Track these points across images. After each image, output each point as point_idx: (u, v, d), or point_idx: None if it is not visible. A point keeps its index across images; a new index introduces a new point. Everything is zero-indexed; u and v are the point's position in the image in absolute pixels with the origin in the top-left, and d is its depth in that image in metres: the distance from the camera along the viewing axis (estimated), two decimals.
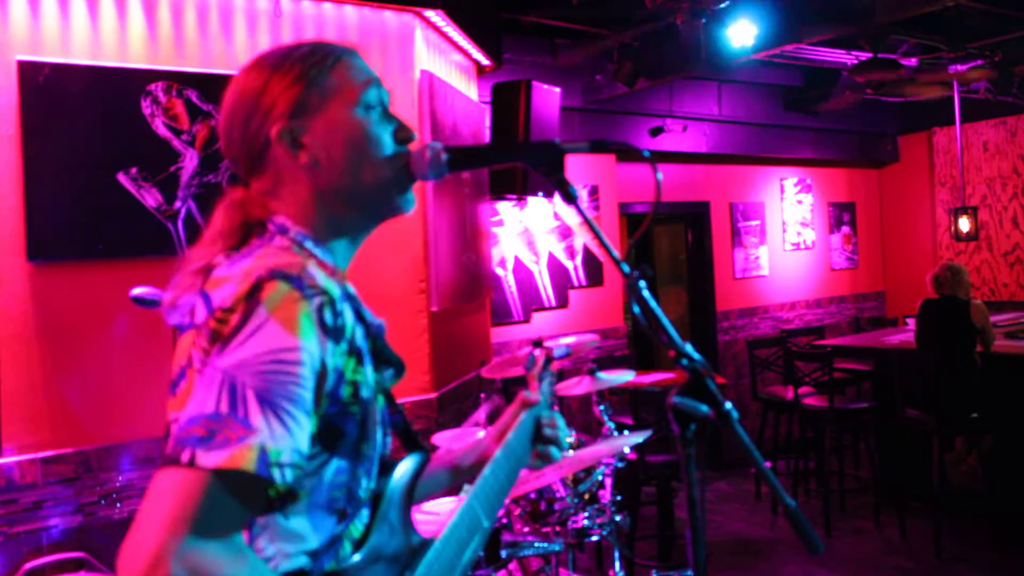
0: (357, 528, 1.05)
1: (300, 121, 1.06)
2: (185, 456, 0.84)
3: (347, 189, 1.07)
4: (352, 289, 1.09)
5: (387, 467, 1.12)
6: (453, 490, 1.39)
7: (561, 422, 1.43)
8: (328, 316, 0.94)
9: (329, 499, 0.99)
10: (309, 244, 1.06)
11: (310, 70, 1.07)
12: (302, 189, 1.07)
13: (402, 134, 1.12)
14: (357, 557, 1.03)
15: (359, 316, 1.05)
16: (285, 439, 0.87)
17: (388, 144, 1.10)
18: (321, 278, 0.97)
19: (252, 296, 0.90)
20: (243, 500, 0.85)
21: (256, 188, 1.09)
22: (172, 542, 0.80)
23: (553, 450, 1.38)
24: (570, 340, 3.16)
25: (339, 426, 0.98)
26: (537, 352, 1.50)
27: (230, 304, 0.91)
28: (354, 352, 1.00)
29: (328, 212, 1.08)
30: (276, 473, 0.86)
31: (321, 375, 0.93)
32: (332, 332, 0.95)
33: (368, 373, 1.03)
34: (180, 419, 0.88)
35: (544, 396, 1.45)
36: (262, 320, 0.89)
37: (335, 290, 0.98)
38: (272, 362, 0.88)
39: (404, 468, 1.14)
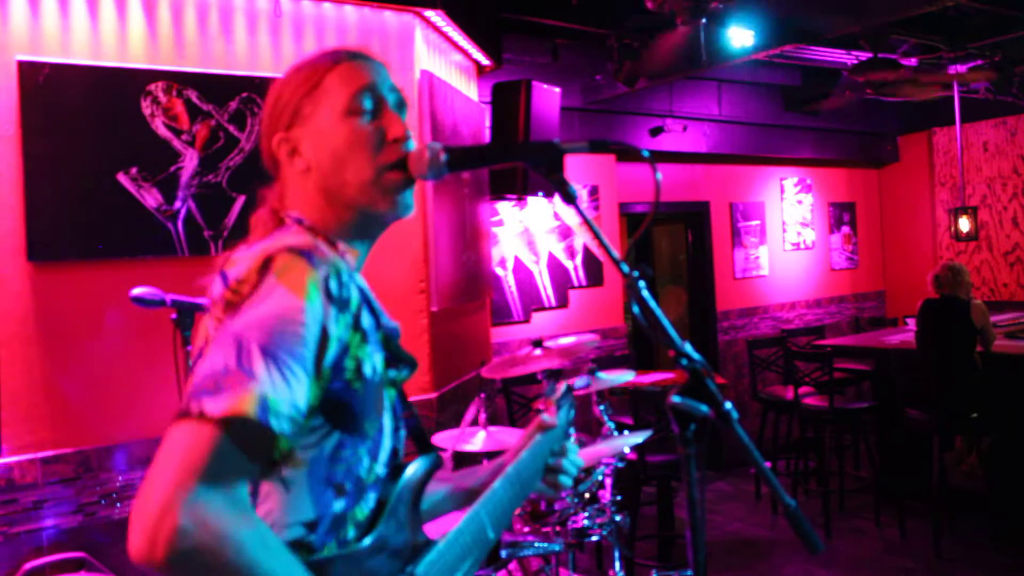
0: (362, 511, 1.08)
1: (297, 130, 1.15)
2: (195, 408, 0.88)
3: (336, 193, 1.14)
4: (368, 290, 1.15)
5: (399, 468, 1.15)
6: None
7: (573, 452, 1.45)
8: (333, 285, 1.00)
9: (329, 473, 1.03)
10: (322, 233, 1.13)
11: (307, 80, 1.15)
12: (308, 191, 1.15)
13: (389, 135, 1.14)
14: (365, 542, 1.06)
15: (371, 309, 1.11)
16: (284, 391, 0.91)
17: (374, 148, 1.13)
18: (331, 254, 1.04)
19: (264, 268, 0.97)
20: (247, 449, 0.88)
21: (276, 189, 1.19)
22: (181, 492, 0.83)
23: (562, 478, 1.43)
24: (570, 340, 3.16)
25: (343, 401, 1.02)
26: (558, 383, 1.51)
27: (243, 276, 0.98)
28: (359, 329, 1.05)
29: (332, 212, 1.14)
30: (274, 421, 0.89)
31: (323, 339, 0.97)
32: (337, 301, 1.00)
33: (373, 355, 1.08)
34: (193, 379, 0.92)
35: (561, 424, 1.45)
36: (271, 286, 0.96)
37: (343, 265, 1.04)
38: (278, 320, 0.93)
39: (415, 468, 1.17)
